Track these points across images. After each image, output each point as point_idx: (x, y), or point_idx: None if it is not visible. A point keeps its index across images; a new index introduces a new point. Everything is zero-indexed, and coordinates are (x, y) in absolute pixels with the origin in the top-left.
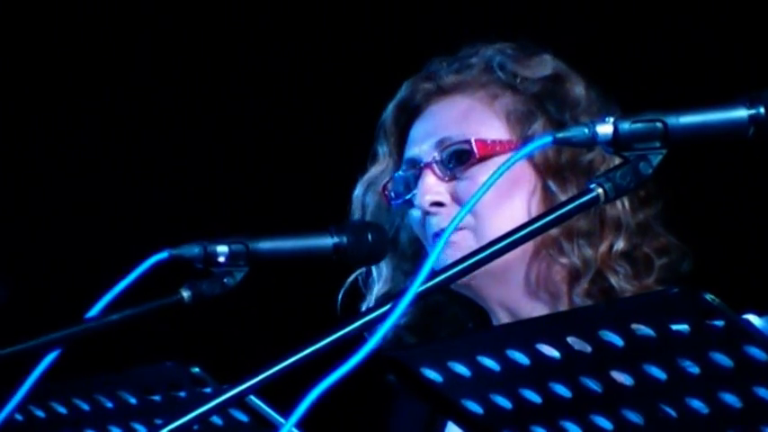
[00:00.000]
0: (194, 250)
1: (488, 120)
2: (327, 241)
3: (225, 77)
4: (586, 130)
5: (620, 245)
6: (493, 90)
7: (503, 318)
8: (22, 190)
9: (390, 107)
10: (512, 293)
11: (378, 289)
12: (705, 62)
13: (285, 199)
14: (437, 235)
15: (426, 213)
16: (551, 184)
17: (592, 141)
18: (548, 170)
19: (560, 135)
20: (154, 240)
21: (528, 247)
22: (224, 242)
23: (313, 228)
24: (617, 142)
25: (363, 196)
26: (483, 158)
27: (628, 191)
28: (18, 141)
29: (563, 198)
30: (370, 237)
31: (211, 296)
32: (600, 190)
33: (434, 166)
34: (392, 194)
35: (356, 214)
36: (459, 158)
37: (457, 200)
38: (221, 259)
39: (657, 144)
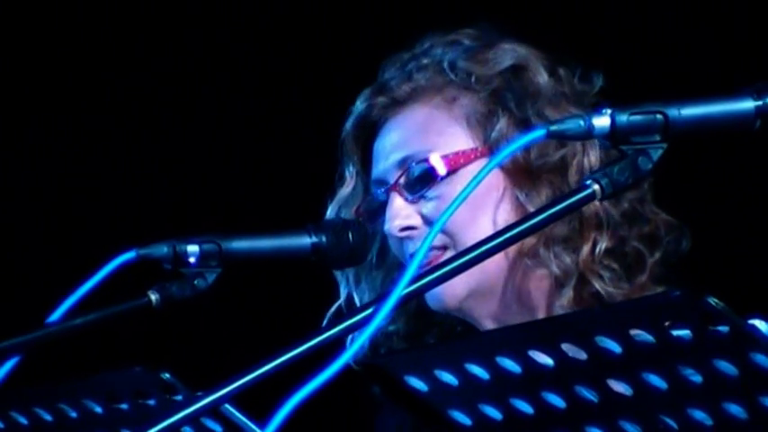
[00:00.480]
0: (163, 250)
1: (448, 128)
2: (305, 241)
3: (195, 70)
4: (582, 123)
5: (603, 244)
6: (450, 93)
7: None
8: None
9: (348, 125)
10: (499, 310)
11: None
12: (707, 50)
13: (260, 196)
14: (413, 255)
15: (399, 239)
16: (522, 186)
17: (587, 134)
18: (517, 173)
19: (554, 128)
20: (120, 239)
21: (504, 259)
22: (195, 241)
23: (290, 226)
24: (614, 135)
25: (336, 217)
26: (448, 174)
27: (626, 187)
28: None
29: (536, 201)
30: (350, 236)
31: (181, 299)
32: (596, 186)
33: (399, 187)
34: (365, 218)
35: None
36: (423, 178)
37: (427, 221)
38: (192, 260)
39: (657, 137)
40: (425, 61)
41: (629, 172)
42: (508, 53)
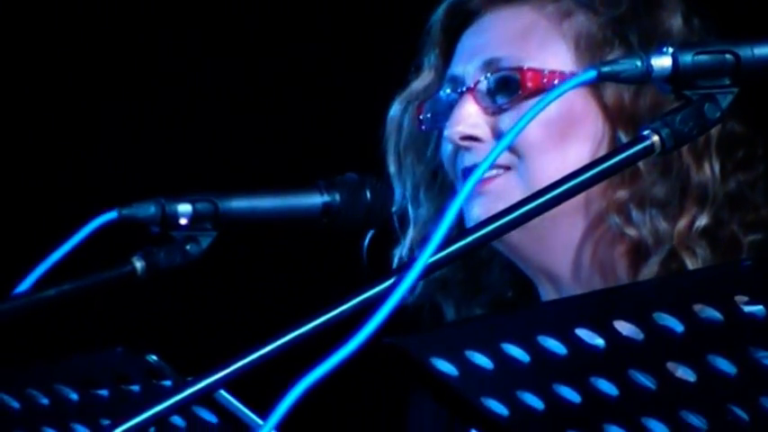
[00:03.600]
0: (150, 209)
1: (552, 43)
2: (316, 200)
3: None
4: (639, 63)
5: (702, 221)
6: (566, 5)
7: (547, 289)
8: None
9: (441, 9)
10: (556, 261)
11: (414, 234)
12: None
13: (262, 147)
14: (468, 171)
15: (458, 147)
16: (621, 134)
17: (645, 77)
18: (620, 116)
19: (606, 69)
20: (100, 197)
21: (585, 209)
22: (187, 200)
23: (297, 183)
24: (677, 78)
25: (401, 116)
26: (535, 91)
27: (689, 139)
28: None
29: None
30: (368, 194)
31: (170, 267)
32: (655, 137)
33: (477, 92)
34: (427, 117)
35: (391, 138)
36: (506, 87)
37: (498, 137)
38: (183, 221)
39: (727, 81)
40: None
41: (694, 121)
42: None
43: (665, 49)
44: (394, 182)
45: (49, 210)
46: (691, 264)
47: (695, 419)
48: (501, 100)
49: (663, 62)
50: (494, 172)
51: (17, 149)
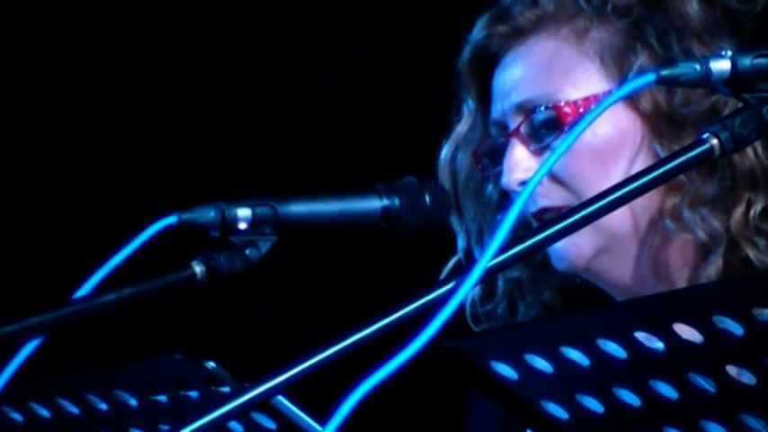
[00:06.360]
0: (209, 214)
1: (578, 66)
2: (375, 204)
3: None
4: (698, 67)
5: (759, 205)
6: (580, 24)
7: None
8: None
9: (465, 55)
10: (632, 277)
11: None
12: None
13: (322, 153)
14: (541, 211)
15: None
16: (663, 137)
17: (704, 80)
18: (660, 120)
19: (665, 72)
20: (159, 202)
21: (638, 219)
22: (246, 204)
23: (356, 187)
24: (736, 82)
25: (453, 159)
26: (576, 122)
27: (750, 142)
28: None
29: None
30: (427, 198)
31: (230, 272)
32: (714, 141)
33: (521, 135)
34: (485, 162)
35: (446, 181)
36: (547, 126)
37: (552, 175)
38: (243, 226)
39: None
40: None
41: (754, 124)
42: None
43: (723, 52)
44: (456, 231)
45: (109, 213)
46: (752, 253)
47: (755, 423)
48: (547, 139)
49: (722, 65)
50: (549, 215)
51: (78, 153)
